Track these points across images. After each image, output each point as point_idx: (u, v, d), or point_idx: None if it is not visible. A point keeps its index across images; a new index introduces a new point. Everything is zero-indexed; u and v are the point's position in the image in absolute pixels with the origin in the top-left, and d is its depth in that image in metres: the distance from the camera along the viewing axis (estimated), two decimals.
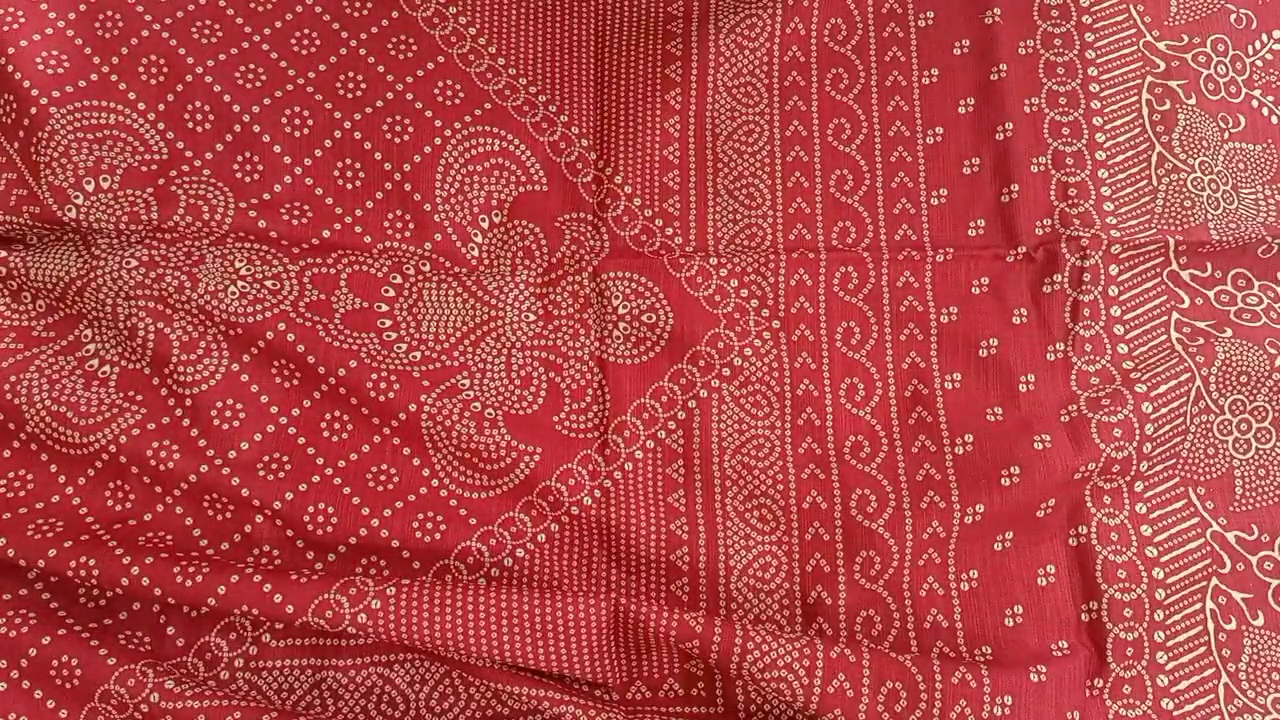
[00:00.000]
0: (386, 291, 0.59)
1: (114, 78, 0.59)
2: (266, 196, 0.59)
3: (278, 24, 0.61)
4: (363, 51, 0.62)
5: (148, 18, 0.60)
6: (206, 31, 0.61)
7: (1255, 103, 0.64)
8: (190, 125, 0.59)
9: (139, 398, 0.56)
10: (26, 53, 0.57)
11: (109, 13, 0.60)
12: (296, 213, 0.59)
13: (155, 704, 0.50)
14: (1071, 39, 0.64)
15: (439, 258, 0.60)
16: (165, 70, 0.59)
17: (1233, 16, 0.65)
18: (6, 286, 0.57)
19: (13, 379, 0.55)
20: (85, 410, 0.55)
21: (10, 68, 0.57)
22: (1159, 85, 0.64)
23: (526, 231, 0.61)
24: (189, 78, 0.59)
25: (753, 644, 0.50)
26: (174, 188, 0.56)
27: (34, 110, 0.57)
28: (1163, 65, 0.64)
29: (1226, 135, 0.64)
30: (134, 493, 0.55)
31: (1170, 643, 0.55)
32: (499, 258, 0.61)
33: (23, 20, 0.58)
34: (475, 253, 0.60)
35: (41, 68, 0.57)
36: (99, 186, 0.56)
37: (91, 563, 0.51)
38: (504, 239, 0.61)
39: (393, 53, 0.62)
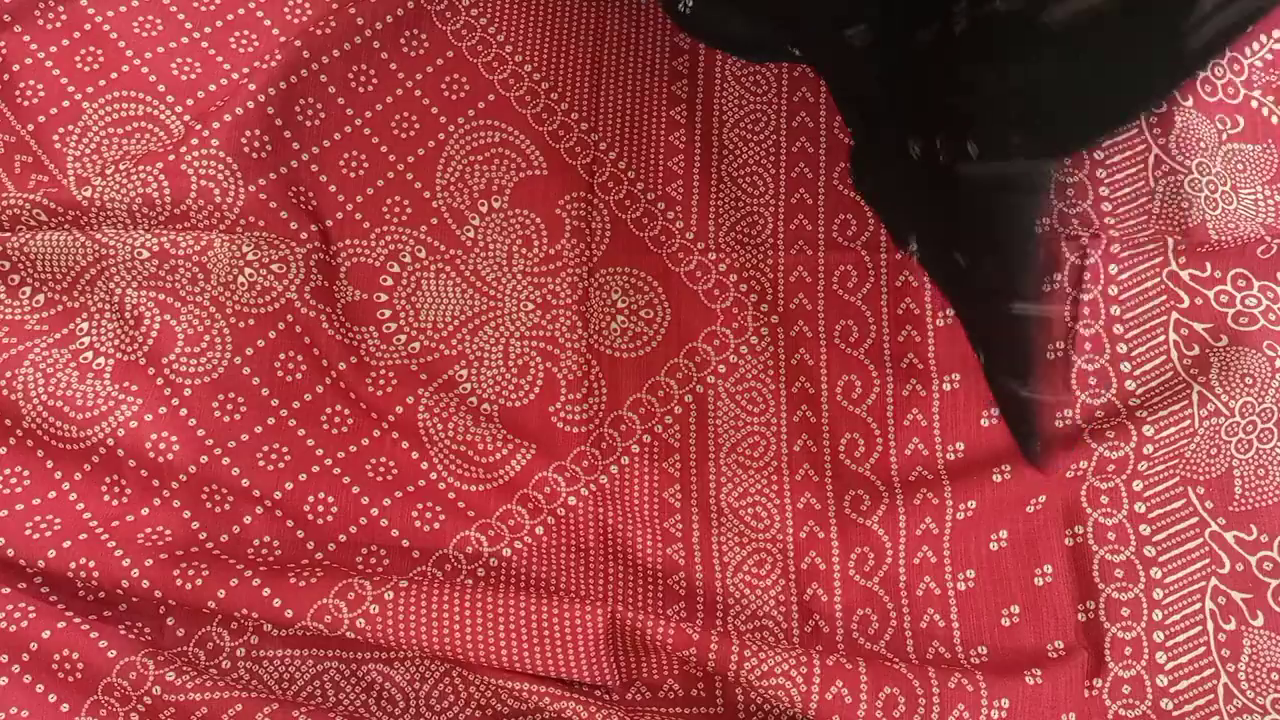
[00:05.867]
0: (385, 280, 0.56)
1: (145, 70, 0.58)
2: (273, 176, 0.56)
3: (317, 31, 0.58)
4: (376, 44, 0.58)
5: (188, 25, 0.59)
6: (244, 41, 0.59)
7: (1255, 103, 0.60)
8: (210, 108, 0.57)
9: (135, 388, 0.52)
10: (66, 50, 0.58)
11: (149, 17, 0.59)
12: (302, 199, 0.56)
13: (158, 696, 0.47)
14: None
15: (434, 241, 0.57)
16: (199, 71, 0.58)
17: None
18: (7, 281, 0.54)
19: (8, 374, 0.51)
20: (82, 404, 0.51)
21: (44, 59, 0.57)
22: None
23: (526, 220, 0.58)
24: (223, 80, 0.58)
25: (750, 652, 0.47)
26: (184, 165, 0.53)
27: (66, 103, 0.56)
28: None
29: (1225, 136, 0.60)
30: (130, 487, 0.51)
31: (1169, 643, 0.52)
32: (495, 243, 0.58)
33: (64, 18, 0.58)
34: (470, 234, 0.57)
35: (79, 65, 0.57)
36: (118, 169, 0.54)
37: (91, 564, 0.48)
38: (502, 225, 0.58)
39: (405, 48, 0.59)
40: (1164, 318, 0.57)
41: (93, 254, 0.52)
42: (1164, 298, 0.57)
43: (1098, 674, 0.51)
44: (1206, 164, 0.58)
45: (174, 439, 0.52)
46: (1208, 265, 0.58)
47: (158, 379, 0.52)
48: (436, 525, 0.53)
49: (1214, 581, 0.53)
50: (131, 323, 0.53)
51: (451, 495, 0.54)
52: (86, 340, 0.53)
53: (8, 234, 0.53)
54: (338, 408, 0.54)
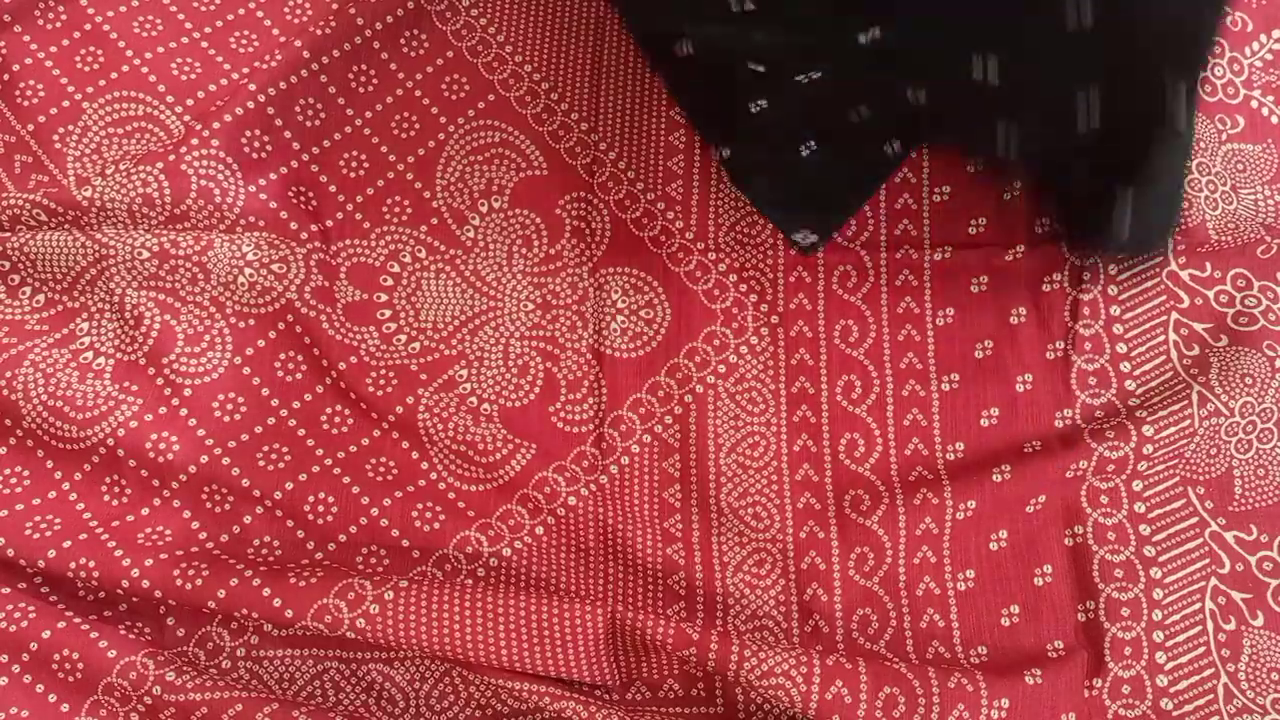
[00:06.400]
0: (385, 280, 0.56)
1: (145, 70, 0.58)
2: (274, 176, 0.55)
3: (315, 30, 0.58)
4: (376, 45, 0.58)
5: (188, 25, 0.59)
6: (244, 41, 0.59)
7: (1254, 103, 0.60)
8: (210, 108, 0.57)
9: (135, 388, 0.52)
10: (66, 50, 0.58)
11: (149, 17, 0.59)
12: (302, 199, 0.56)
13: (158, 696, 0.47)
14: None
15: (434, 241, 0.57)
16: (199, 71, 0.58)
17: (1229, 19, 0.61)
18: (7, 281, 0.53)
19: (8, 374, 0.51)
20: (82, 404, 0.51)
21: (44, 59, 0.57)
22: None
23: (526, 220, 0.58)
24: (223, 80, 0.58)
25: (749, 652, 0.46)
26: (184, 165, 0.53)
27: (66, 103, 0.56)
28: None
29: (1224, 136, 0.59)
30: (130, 487, 0.51)
31: (1169, 643, 0.51)
32: (495, 243, 0.57)
33: (64, 18, 0.58)
34: (470, 234, 0.57)
35: (79, 65, 0.57)
36: (118, 169, 0.54)
37: (91, 564, 0.48)
38: (502, 225, 0.58)
39: (405, 48, 0.59)
40: (1164, 318, 0.56)
41: (93, 254, 0.52)
42: (1164, 298, 0.57)
43: (1097, 674, 0.51)
44: (1206, 164, 0.58)
45: (174, 439, 0.51)
46: (1208, 265, 0.57)
47: (158, 379, 0.52)
48: (436, 525, 0.53)
49: (1214, 581, 0.53)
50: (131, 323, 0.52)
51: (451, 495, 0.54)
52: (86, 340, 0.53)
53: (8, 234, 0.53)
54: (338, 408, 0.54)
